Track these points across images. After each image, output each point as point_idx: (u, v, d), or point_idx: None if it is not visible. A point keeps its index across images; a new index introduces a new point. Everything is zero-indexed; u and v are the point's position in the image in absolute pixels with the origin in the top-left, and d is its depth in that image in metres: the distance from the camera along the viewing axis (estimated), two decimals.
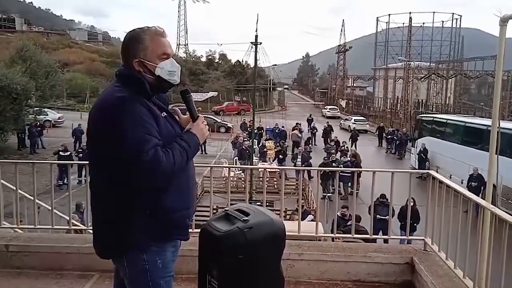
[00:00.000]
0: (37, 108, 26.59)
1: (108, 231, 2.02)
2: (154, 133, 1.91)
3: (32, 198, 4.51)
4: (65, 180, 15.48)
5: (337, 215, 10.20)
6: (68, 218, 4.69)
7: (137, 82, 2.00)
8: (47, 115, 31.52)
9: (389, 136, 30.55)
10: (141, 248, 2.00)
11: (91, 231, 4.96)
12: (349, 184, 16.90)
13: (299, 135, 29.18)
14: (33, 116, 25.84)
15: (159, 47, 2.04)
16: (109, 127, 1.89)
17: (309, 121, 37.20)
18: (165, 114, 2.06)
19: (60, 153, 18.17)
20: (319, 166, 15.85)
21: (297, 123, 32.09)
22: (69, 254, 3.85)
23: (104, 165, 1.97)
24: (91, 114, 2.02)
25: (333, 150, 21.97)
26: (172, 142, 1.99)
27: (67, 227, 4.76)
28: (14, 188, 4.42)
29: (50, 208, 4.47)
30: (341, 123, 43.14)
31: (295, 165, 19.85)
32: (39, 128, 25.81)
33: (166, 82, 2.07)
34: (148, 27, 2.08)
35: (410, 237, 4.45)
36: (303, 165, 19.56)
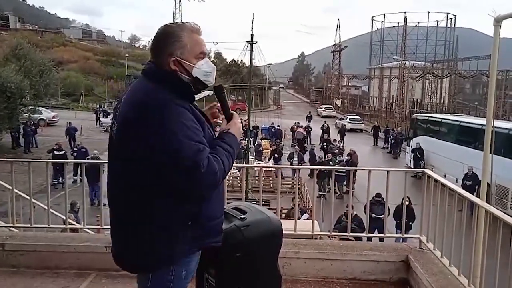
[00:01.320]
0: (32, 107, 26.43)
1: (145, 245, 1.83)
2: (204, 140, 1.79)
3: (27, 197, 4.49)
4: (60, 179, 15.42)
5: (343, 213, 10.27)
6: (64, 217, 4.68)
7: (181, 85, 1.87)
8: (42, 113, 31.45)
9: (387, 135, 30.73)
10: (175, 262, 1.88)
11: (87, 230, 4.97)
12: (344, 183, 16.97)
13: (304, 133, 29.40)
14: (27, 115, 25.70)
15: (197, 45, 1.91)
16: (157, 135, 1.72)
17: (309, 118, 37.33)
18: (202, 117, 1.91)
19: (55, 152, 18.02)
20: (315, 165, 15.90)
21: (296, 123, 32.24)
22: (66, 253, 3.84)
23: (145, 174, 1.78)
24: (127, 120, 1.82)
25: (336, 150, 21.96)
26: (214, 145, 1.86)
27: (63, 226, 4.75)
28: (9, 187, 4.40)
29: (45, 207, 4.46)
30: (336, 122, 43.23)
31: (291, 164, 19.87)
32: (33, 127, 25.70)
33: (201, 83, 1.94)
34: (182, 22, 1.95)
35: (406, 236, 4.48)
36: (300, 164, 19.62)
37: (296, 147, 23.40)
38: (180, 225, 1.84)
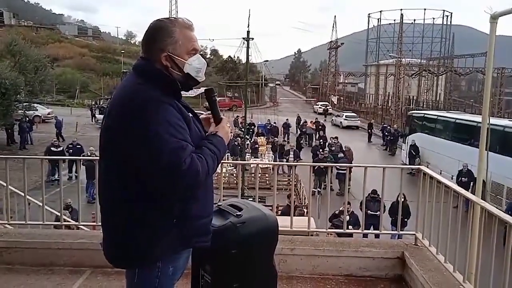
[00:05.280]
0: (27, 104, 26.29)
1: (128, 242, 1.84)
2: (188, 139, 1.78)
3: (22, 194, 4.47)
4: (56, 176, 15.36)
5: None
6: (59, 214, 4.66)
7: (168, 82, 1.85)
8: (37, 110, 31.25)
9: (384, 132, 30.83)
10: (159, 259, 1.88)
11: (82, 227, 4.95)
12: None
13: (313, 127, 29.92)
14: (22, 111, 25.56)
15: (189, 41, 1.88)
16: (140, 132, 1.71)
17: (325, 111, 37.20)
18: (191, 114, 1.90)
19: (51, 148, 17.94)
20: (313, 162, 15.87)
21: (309, 121, 32.58)
22: (61, 249, 3.82)
23: (128, 171, 1.78)
24: (112, 116, 1.82)
25: (333, 147, 21.94)
26: (200, 145, 1.85)
27: (58, 223, 4.73)
28: (4, 184, 4.38)
29: (40, 204, 4.44)
30: (332, 119, 43.38)
31: (287, 161, 19.88)
32: (29, 124, 25.57)
33: (192, 79, 1.93)
34: (175, 18, 1.93)
35: (401, 232, 4.49)
36: (296, 161, 19.63)
37: (292, 145, 23.41)
38: (164, 224, 1.83)
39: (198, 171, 1.74)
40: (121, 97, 1.84)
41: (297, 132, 31.40)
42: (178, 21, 1.90)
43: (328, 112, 48.68)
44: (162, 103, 1.76)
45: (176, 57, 1.86)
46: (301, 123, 31.92)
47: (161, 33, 1.86)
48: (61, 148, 18.24)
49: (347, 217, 5.53)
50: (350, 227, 8.77)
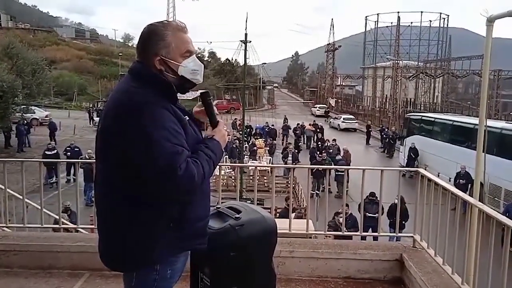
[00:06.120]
0: (24, 106, 26.22)
1: (125, 245, 1.84)
2: (184, 143, 1.76)
3: (20, 197, 4.46)
4: (54, 179, 15.30)
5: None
6: (57, 217, 4.65)
7: (163, 85, 1.84)
8: (34, 113, 31.19)
9: (382, 134, 30.90)
10: (157, 262, 1.88)
11: (81, 230, 4.94)
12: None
13: (312, 129, 30.27)
14: (20, 114, 25.50)
15: (182, 43, 1.88)
16: (136, 136, 1.70)
17: (326, 112, 37.40)
18: (187, 117, 1.88)
19: (46, 152, 17.80)
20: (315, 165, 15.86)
21: (310, 123, 32.84)
22: (59, 252, 3.82)
23: (123, 174, 1.78)
24: (108, 119, 1.81)
25: (331, 150, 21.93)
26: (196, 149, 1.84)
27: (56, 226, 4.72)
28: (2, 187, 4.37)
29: (39, 207, 4.43)
30: (330, 122, 43.46)
31: (285, 163, 19.89)
32: (26, 126, 25.52)
33: (188, 82, 1.92)
34: (168, 21, 1.93)
35: (400, 234, 4.49)
36: (294, 163, 19.64)
37: (291, 146, 23.42)
38: (161, 227, 1.82)
39: (193, 176, 1.73)
40: (116, 100, 1.84)
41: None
42: (171, 24, 1.90)
43: (328, 114, 49.14)
44: (157, 107, 1.75)
45: (170, 60, 1.86)
46: (292, 126, 31.93)
47: (153, 37, 1.86)
48: (55, 151, 18.12)
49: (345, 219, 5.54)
50: (344, 228, 8.78)
